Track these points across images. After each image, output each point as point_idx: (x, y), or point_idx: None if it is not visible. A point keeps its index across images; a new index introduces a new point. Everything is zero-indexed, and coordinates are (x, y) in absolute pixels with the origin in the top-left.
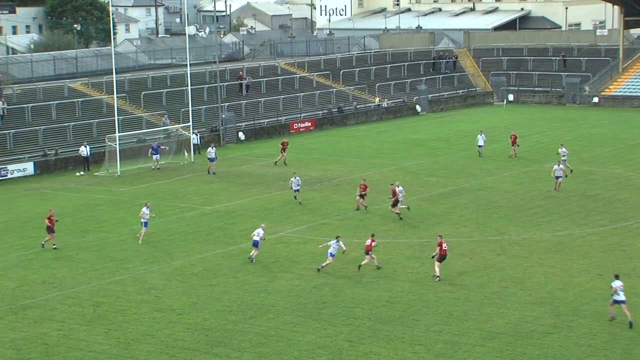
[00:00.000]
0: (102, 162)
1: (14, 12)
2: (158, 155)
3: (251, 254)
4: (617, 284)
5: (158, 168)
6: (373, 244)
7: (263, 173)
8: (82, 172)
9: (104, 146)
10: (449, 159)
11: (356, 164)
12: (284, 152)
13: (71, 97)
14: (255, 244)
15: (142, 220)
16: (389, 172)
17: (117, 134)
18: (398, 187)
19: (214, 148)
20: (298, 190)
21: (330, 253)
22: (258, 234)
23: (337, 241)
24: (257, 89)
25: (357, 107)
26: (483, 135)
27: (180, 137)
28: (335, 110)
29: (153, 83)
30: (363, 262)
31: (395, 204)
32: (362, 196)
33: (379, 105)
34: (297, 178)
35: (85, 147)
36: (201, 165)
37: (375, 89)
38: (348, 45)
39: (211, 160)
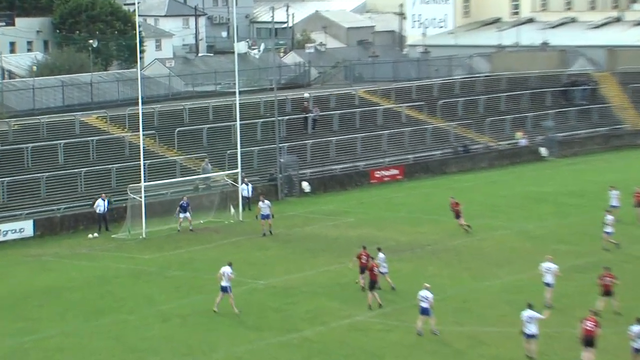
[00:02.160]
0: (122, 221)
1: (13, 24)
2: (187, 214)
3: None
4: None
5: (191, 229)
6: None
7: (334, 236)
8: (96, 234)
9: (126, 200)
10: (585, 220)
11: (455, 226)
12: (460, 215)
13: (84, 134)
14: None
15: (223, 283)
16: (503, 236)
17: (142, 184)
18: (375, 258)
19: (267, 202)
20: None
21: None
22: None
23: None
24: (327, 125)
25: (469, 148)
26: (616, 192)
27: (226, 188)
28: (461, 149)
29: (191, 117)
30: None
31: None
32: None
33: (517, 142)
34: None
35: (103, 200)
36: (252, 225)
37: (485, 125)
38: (449, 67)
39: (264, 217)
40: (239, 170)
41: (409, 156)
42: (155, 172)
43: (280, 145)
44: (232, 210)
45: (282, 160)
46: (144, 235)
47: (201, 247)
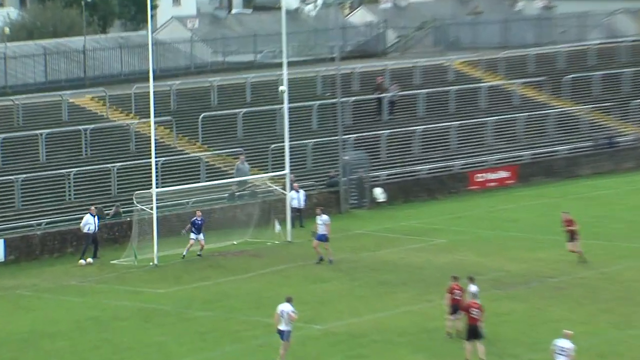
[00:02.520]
0: (124, 242)
1: None
2: (201, 236)
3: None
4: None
5: (199, 254)
6: None
7: (419, 264)
8: (90, 259)
9: (130, 213)
10: None
11: (592, 249)
12: (575, 237)
13: (74, 121)
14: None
15: (282, 326)
16: None
17: (153, 190)
18: None
19: (325, 217)
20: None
21: None
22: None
23: None
24: (409, 110)
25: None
26: None
27: (268, 196)
28: (605, 142)
29: (221, 98)
30: None
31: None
32: (572, 237)
33: None
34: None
35: (93, 216)
36: (305, 247)
37: (632, 110)
38: (581, 28)
39: (321, 238)
40: (286, 172)
41: (524, 153)
42: (171, 174)
43: (345, 137)
44: (278, 226)
45: (346, 158)
46: (155, 262)
47: (235, 278)
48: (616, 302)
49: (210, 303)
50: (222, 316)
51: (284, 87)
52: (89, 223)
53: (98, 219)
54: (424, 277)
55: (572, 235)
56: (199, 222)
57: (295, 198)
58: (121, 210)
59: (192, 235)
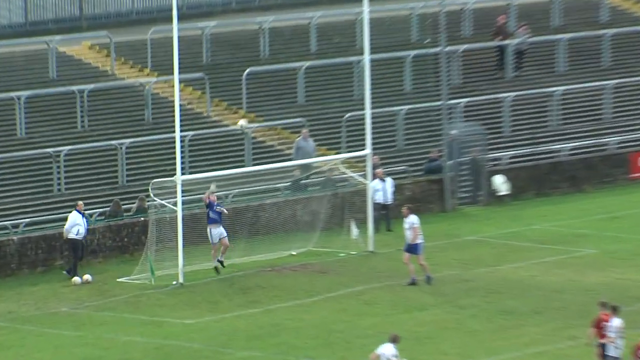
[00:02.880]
0: (137, 252)
1: None
2: (222, 230)
3: None
4: None
5: (220, 261)
6: None
7: (556, 285)
8: (88, 276)
9: (145, 212)
10: None
11: None
12: None
13: (64, 78)
14: None
15: None
16: None
17: (178, 177)
18: None
19: (414, 218)
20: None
21: None
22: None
23: None
24: (544, 62)
25: None
26: None
27: (342, 186)
28: None
29: (273, 46)
30: None
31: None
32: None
33: None
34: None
35: (80, 214)
36: (393, 259)
37: None
38: None
39: (414, 250)
40: (367, 152)
41: None
42: (203, 155)
43: (451, 102)
44: (355, 230)
45: (453, 132)
46: (180, 280)
47: (294, 304)
48: None
49: (259, 340)
50: (276, 358)
51: (243, 123)
52: (77, 224)
53: (87, 221)
54: (565, 304)
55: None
56: (215, 207)
57: (380, 190)
58: (147, 204)
59: (214, 232)
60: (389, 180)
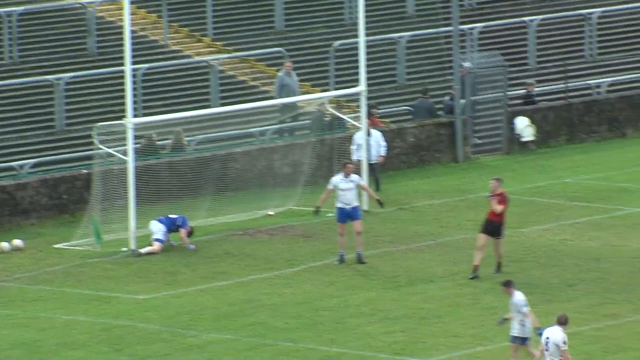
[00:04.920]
0: (78, 210)
1: None
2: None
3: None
4: None
5: (193, 246)
6: None
7: (595, 251)
8: (19, 241)
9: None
10: None
11: None
12: None
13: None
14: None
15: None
16: None
17: (129, 119)
18: None
19: (356, 176)
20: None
21: None
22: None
23: None
24: None
25: None
26: None
27: (329, 132)
28: None
29: None
30: None
31: None
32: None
33: None
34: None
35: None
36: (391, 220)
37: None
38: None
39: (354, 215)
40: (361, 88)
41: None
42: (159, 93)
43: (464, 27)
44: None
45: (466, 65)
46: (133, 246)
47: (271, 275)
48: None
49: (229, 319)
50: (249, 343)
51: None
52: None
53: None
54: (603, 275)
55: None
56: (180, 221)
57: (372, 139)
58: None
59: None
60: (376, 133)
